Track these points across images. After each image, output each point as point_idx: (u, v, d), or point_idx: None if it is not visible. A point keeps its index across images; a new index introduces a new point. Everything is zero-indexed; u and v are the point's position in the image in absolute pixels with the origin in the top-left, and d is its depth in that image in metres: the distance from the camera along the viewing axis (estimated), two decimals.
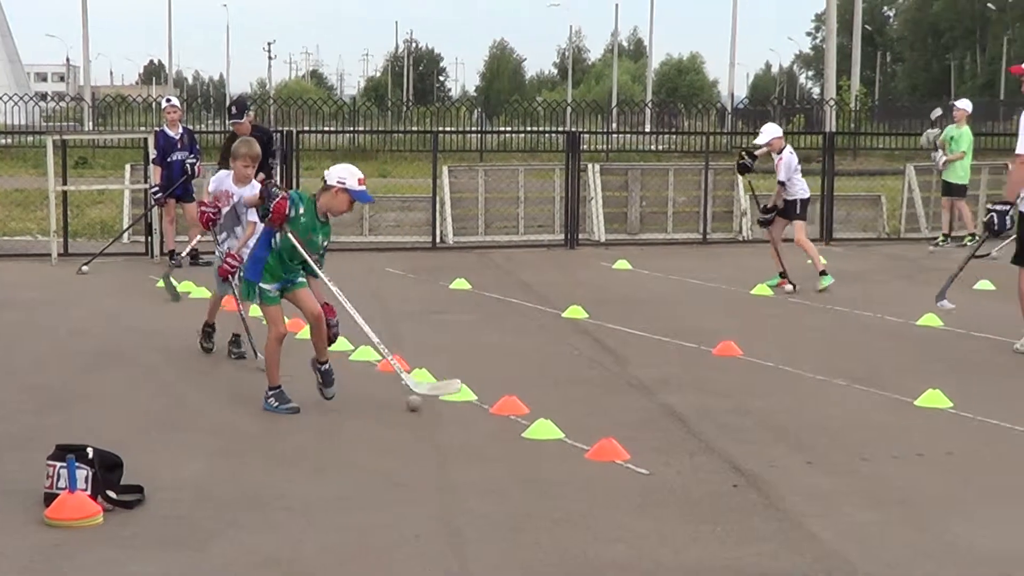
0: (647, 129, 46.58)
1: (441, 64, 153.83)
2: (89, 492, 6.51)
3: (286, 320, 9.24)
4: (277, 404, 8.89)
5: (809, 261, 15.39)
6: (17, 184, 26.11)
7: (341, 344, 9.70)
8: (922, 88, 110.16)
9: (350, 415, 8.85)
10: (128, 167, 21.15)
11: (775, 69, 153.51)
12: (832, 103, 43.47)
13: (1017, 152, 11.19)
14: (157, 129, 17.87)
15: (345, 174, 8.83)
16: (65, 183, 19.02)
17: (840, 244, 21.00)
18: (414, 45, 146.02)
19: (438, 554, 6.08)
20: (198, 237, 15.45)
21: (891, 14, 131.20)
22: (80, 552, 6.03)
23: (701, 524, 6.52)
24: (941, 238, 20.32)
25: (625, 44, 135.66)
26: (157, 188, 17.22)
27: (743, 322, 13.00)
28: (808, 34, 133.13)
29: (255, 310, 9.86)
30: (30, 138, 35.03)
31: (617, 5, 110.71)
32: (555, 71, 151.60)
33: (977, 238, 15.72)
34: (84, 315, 13.27)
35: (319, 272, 8.96)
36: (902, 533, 6.42)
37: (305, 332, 9.93)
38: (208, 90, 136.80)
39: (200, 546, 6.13)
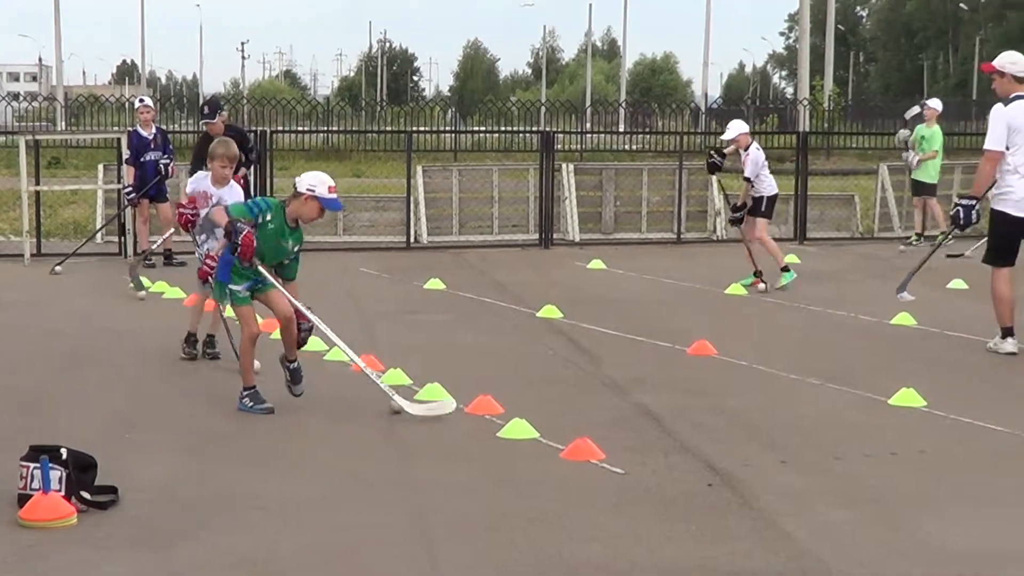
0: (621, 129, 46.61)
1: (415, 64, 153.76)
2: (63, 493, 6.48)
3: (259, 320, 9.23)
4: (252, 404, 8.88)
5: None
6: None
7: (316, 344, 9.68)
8: (895, 88, 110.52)
9: (325, 415, 8.83)
10: (101, 167, 21.12)
11: (749, 69, 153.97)
12: (805, 103, 43.61)
13: (986, 147, 11.24)
14: (130, 129, 17.82)
15: (315, 181, 8.78)
16: (38, 183, 18.95)
17: (814, 244, 21.06)
18: (388, 45, 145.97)
19: (413, 554, 6.08)
20: (172, 230, 15.35)
21: (864, 14, 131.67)
22: (54, 553, 6.01)
23: (676, 523, 6.54)
24: (914, 237, 20.39)
25: (599, 44, 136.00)
26: (131, 188, 17.17)
27: (717, 321, 13.03)
28: (782, 34, 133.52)
29: (231, 310, 9.84)
30: (2, 138, 34.84)
31: (591, 5, 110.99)
32: (529, 71, 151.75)
33: (941, 233, 15.78)
34: (57, 315, 13.22)
35: (294, 276, 8.99)
36: (875, 531, 6.44)
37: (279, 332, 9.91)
38: (181, 90, 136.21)
39: (174, 546, 6.11)
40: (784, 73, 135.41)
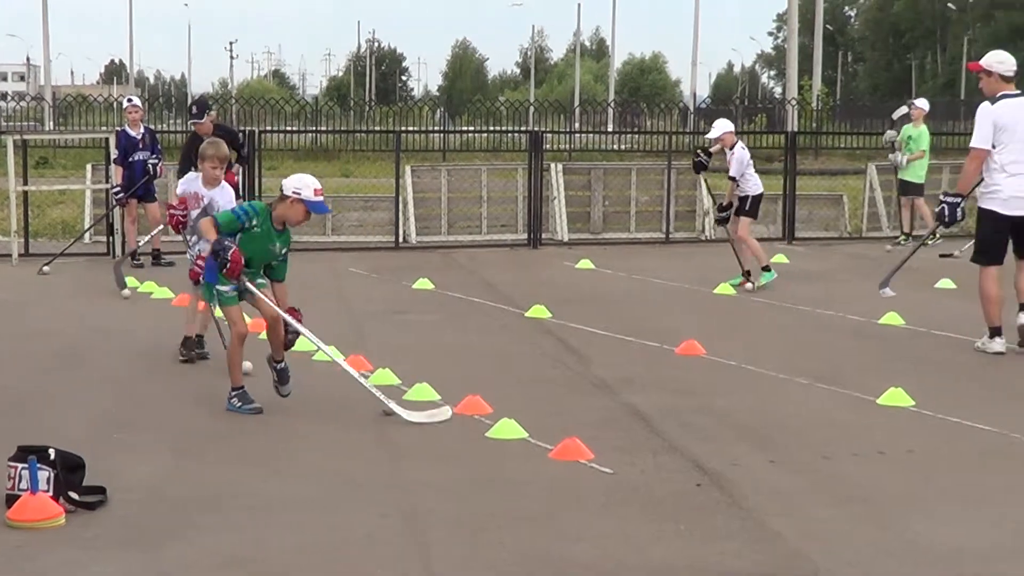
0: (610, 129, 46.66)
1: (404, 64, 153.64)
2: (51, 493, 6.47)
3: (247, 320, 9.23)
4: (240, 404, 8.87)
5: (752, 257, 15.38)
6: None
7: (304, 344, 9.68)
8: (883, 88, 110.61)
9: (314, 416, 8.82)
10: (89, 167, 21.05)
11: (737, 69, 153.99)
12: (794, 103, 43.68)
13: (972, 145, 11.27)
14: (119, 129, 17.78)
15: (301, 184, 8.78)
16: (26, 183, 18.91)
17: (802, 243, 21.09)
18: (376, 44, 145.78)
19: (401, 554, 6.08)
20: (160, 227, 15.30)
21: (852, 14, 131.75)
22: (42, 553, 6.00)
23: (664, 523, 6.54)
24: (902, 237, 20.43)
25: (587, 44, 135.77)
26: (119, 188, 17.13)
27: (706, 321, 13.04)
28: (770, 34, 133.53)
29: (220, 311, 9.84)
30: None
31: (579, 5, 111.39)
32: (518, 71, 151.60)
33: (927, 232, 15.83)
34: (45, 315, 13.20)
35: (283, 277, 9.00)
36: (863, 531, 6.45)
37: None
38: (170, 90, 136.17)
39: (163, 547, 6.11)
40: (772, 73, 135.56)
